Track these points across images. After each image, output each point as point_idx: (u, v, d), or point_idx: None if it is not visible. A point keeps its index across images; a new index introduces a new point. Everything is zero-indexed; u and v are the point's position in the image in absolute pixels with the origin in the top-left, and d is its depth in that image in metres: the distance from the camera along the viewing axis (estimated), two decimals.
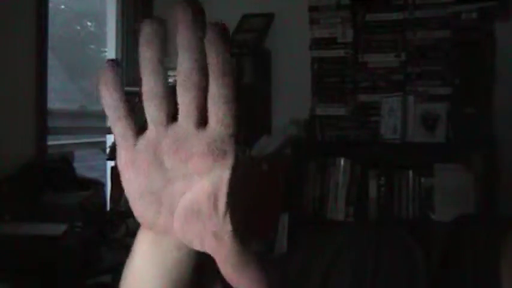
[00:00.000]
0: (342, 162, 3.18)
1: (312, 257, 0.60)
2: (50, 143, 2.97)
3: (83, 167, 3.19)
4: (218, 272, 0.56)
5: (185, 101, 0.38)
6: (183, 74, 0.38)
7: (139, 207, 0.41)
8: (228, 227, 0.40)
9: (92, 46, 3.97)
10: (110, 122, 0.41)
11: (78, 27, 3.89)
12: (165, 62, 0.38)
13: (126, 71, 3.74)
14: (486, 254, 0.57)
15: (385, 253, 0.58)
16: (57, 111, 3.19)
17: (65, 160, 2.92)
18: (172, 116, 0.40)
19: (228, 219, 0.40)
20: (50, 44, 2.94)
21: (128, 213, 2.96)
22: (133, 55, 3.74)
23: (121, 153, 0.41)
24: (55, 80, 3.21)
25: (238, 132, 0.39)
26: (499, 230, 0.59)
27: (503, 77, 2.93)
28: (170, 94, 0.39)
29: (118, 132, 0.40)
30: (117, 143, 0.42)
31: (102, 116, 3.82)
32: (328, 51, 3.28)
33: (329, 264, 0.59)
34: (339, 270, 0.58)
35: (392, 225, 0.69)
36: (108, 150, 3.46)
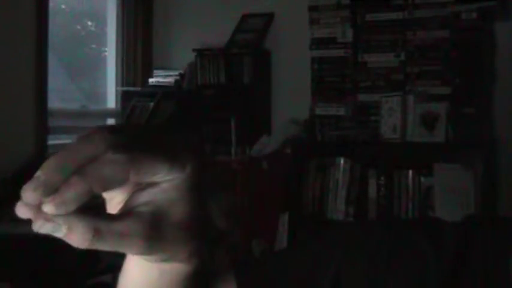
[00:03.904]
0: (342, 162, 3.18)
1: (322, 255, 0.60)
2: (50, 142, 2.98)
3: None
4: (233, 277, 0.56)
5: None
6: None
7: None
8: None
9: (93, 46, 3.96)
10: None
11: (79, 27, 3.89)
12: None
13: (126, 71, 3.74)
14: (497, 255, 0.57)
15: (397, 253, 0.58)
16: (58, 111, 3.20)
17: None
18: None
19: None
20: (50, 44, 2.94)
21: None
22: (133, 55, 3.74)
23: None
24: (55, 80, 3.21)
25: None
26: (508, 231, 0.59)
27: (503, 77, 2.93)
28: None
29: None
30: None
31: (102, 116, 3.83)
32: (328, 51, 3.28)
33: (340, 263, 0.59)
34: (350, 269, 0.58)
35: (404, 224, 0.68)
36: None
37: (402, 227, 0.65)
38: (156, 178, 0.38)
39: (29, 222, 0.36)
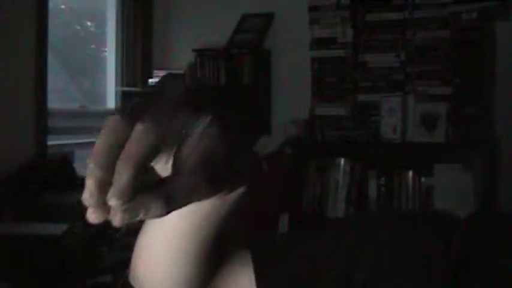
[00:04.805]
0: (342, 162, 3.18)
1: (331, 244, 0.61)
2: (50, 143, 2.97)
3: (83, 167, 3.19)
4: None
5: None
6: None
7: None
8: None
9: (92, 46, 3.96)
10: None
11: (78, 27, 3.89)
12: None
13: (126, 71, 3.74)
14: (503, 251, 0.57)
15: (405, 244, 0.59)
16: (57, 111, 3.19)
17: (65, 160, 2.92)
18: None
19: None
20: (50, 44, 2.94)
21: None
22: (132, 55, 3.74)
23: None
24: (55, 80, 3.21)
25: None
26: None
27: (503, 77, 2.93)
28: None
29: None
30: None
31: (102, 116, 3.82)
32: (328, 51, 3.28)
33: (349, 251, 0.59)
34: (359, 257, 0.59)
35: (413, 216, 0.69)
36: None
37: (411, 218, 0.66)
38: (188, 128, 0.40)
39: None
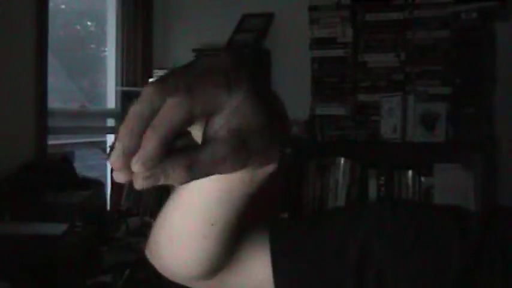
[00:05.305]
0: (342, 162, 3.18)
1: (352, 226, 0.61)
2: (50, 142, 2.97)
3: (83, 167, 3.19)
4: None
5: None
6: None
7: None
8: None
9: (92, 46, 3.97)
10: None
11: (78, 27, 3.89)
12: None
13: (126, 71, 3.74)
14: None
15: (425, 230, 0.59)
16: (57, 111, 3.19)
17: (66, 160, 2.92)
18: None
19: None
20: (50, 44, 2.94)
21: (128, 213, 2.96)
22: (133, 55, 3.74)
23: None
24: (55, 80, 3.21)
25: None
26: None
27: (503, 77, 2.93)
28: None
29: None
30: None
31: (102, 116, 3.83)
32: (328, 51, 3.28)
33: (369, 233, 0.60)
34: (379, 238, 0.59)
35: (433, 206, 0.70)
36: (108, 150, 3.45)
37: (431, 207, 0.66)
38: (221, 101, 0.40)
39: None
